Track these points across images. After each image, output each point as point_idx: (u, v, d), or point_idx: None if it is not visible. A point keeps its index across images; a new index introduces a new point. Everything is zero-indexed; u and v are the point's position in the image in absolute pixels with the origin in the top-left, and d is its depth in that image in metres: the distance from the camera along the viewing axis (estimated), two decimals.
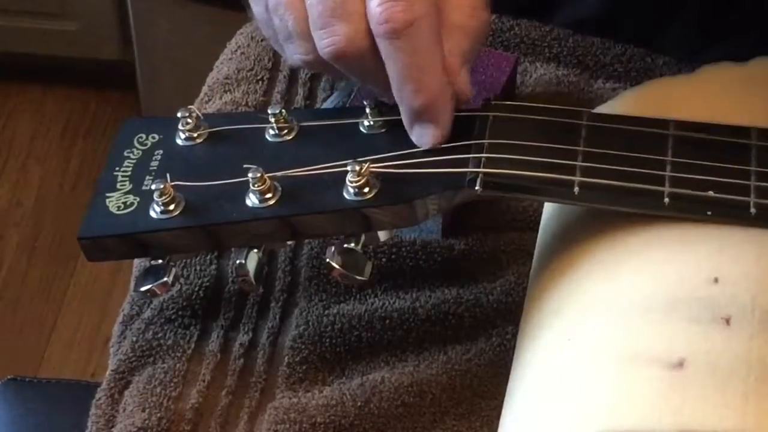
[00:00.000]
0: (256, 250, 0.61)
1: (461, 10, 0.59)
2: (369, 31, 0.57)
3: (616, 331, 0.53)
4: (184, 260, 0.69)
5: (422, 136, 0.59)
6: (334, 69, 0.59)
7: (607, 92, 0.76)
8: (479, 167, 0.58)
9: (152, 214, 0.61)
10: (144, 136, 0.65)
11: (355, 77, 0.60)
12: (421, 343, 0.66)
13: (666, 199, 0.56)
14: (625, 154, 0.57)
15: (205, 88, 0.81)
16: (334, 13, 0.57)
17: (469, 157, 0.59)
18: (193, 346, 0.66)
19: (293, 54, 0.60)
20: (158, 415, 0.63)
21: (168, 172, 0.62)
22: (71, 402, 0.84)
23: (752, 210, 0.55)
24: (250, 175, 0.59)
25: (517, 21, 0.80)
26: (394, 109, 0.62)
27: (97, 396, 0.66)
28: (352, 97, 0.71)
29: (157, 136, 0.65)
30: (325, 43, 0.57)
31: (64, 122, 1.86)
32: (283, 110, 0.63)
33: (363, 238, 0.61)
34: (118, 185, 0.63)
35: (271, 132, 0.63)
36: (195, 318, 0.67)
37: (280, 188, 0.60)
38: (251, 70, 0.79)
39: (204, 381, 0.65)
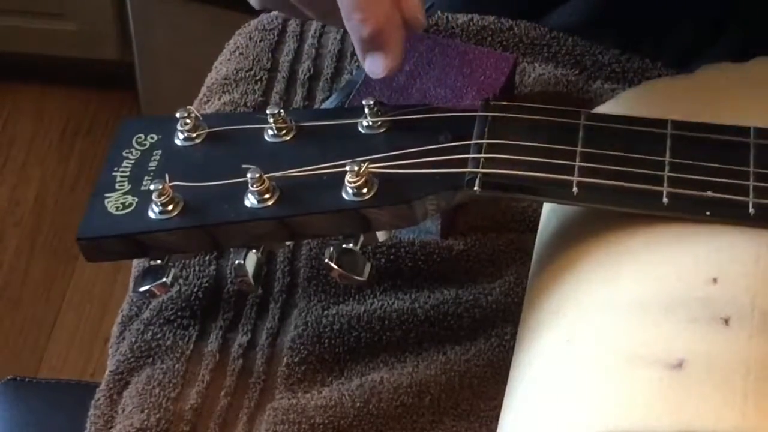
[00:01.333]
0: (254, 251, 0.61)
1: None
2: None
3: (615, 331, 0.53)
4: (183, 261, 0.69)
5: (373, 65, 0.59)
6: (292, 7, 0.60)
7: (606, 92, 0.76)
8: (478, 167, 0.58)
9: (151, 214, 0.61)
10: (143, 136, 0.65)
11: (313, 13, 0.60)
12: (420, 344, 0.66)
13: (665, 199, 0.56)
14: (623, 154, 0.57)
15: (203, 89, 0.81)
16: None
17: (467, 157, 0.59)
18: (192, 346, 0.66)
19: None
20: (157, 415, 0.63)
21: (167, 172, 0.62)
22: (71, 402, 0.84)
23: (751, 210, 0.55)
24: (248, 175, 0.59)
25: (515, 21, 0.80)
26: (393, 109, 0.62)
27: (96, 396, 0.66)
28: (351, 97, 0.71)
29: (155, 137, 0.65)
30: None
31: (64, 122, 1.86)
32: (282, 110, 0.63)
33: (362, 238, 0.61)
34: (117, 185, 0.63)
35: (270, 132, 0.63)
36: (194, 319, 0.67)
37: (278, 189, 0.60)
38: (250, 70, 0.79)
39: (203, 382, 0.65)
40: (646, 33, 0.79)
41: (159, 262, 0.62)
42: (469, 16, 0.80)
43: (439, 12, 0.81)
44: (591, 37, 0.79)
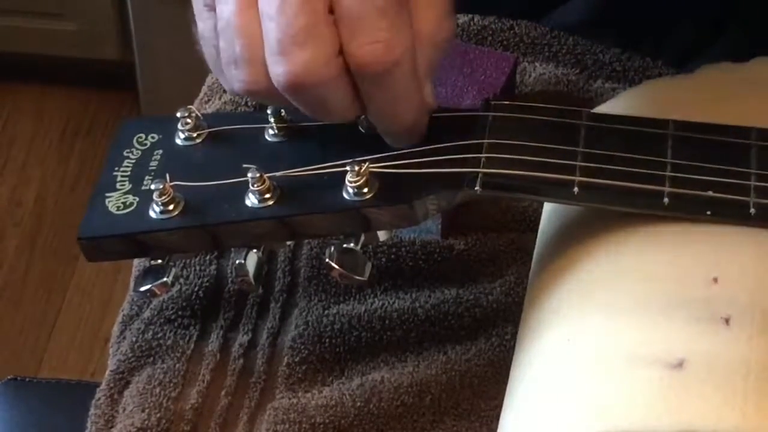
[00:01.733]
0: (255, 250, 0.61)
1: (429, 22, 0.55)
2: (336, 58, 0.53)
3: (615, 331, 0.53)
4: (183, 260, 0.69)
5: (395, 143, 0.59)
6: (279, 98, 0.56)
7: (607, 92, 0.76)
8: (479, 167, 0.58)
9: (152, 214, 0.61)
10: (143, 136, 0.65)
11: (304, 107, 0.56)
12: (420, 343, 0.66)
13: (665, 199, 0.56)
14: (624, 154, 0.57)
15: (204, 88, 0.81)
16: (296, 40, 0.53)
17: (468, 157, 0.59)
18: (192, 346, 0.66)
19: (235, 81, 0.56)
20: (158, 415, 0.63)
21: (167, 172, 0.62)
22: (71, 402, 0.84)
23: (752, 210, 0.55)
24: (249, 175, 0.59)
25: (516, 21, 0.80)
26: None
27: (97, 396, 0.66)
28: None
29: (156, 136, 0.65)
30: (282, 71, 0.53)
31: (64, 122, 1.86)
32: (282, 110, 0.63)
33: (362, 238, 0.61)
34: (118, 185, 0.63)
35: (271, 132, 0.63)
36: (194, 318, 0.67)
37: (279, 188, 0.60)
38: None
39: (203, 381, 0.65)
40: (646, 33, 0.79)
41: (160, 261, 0.62)
42: (470, 16, 0.80)
43: None
44: (591, 36, 0.79)
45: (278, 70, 0.54)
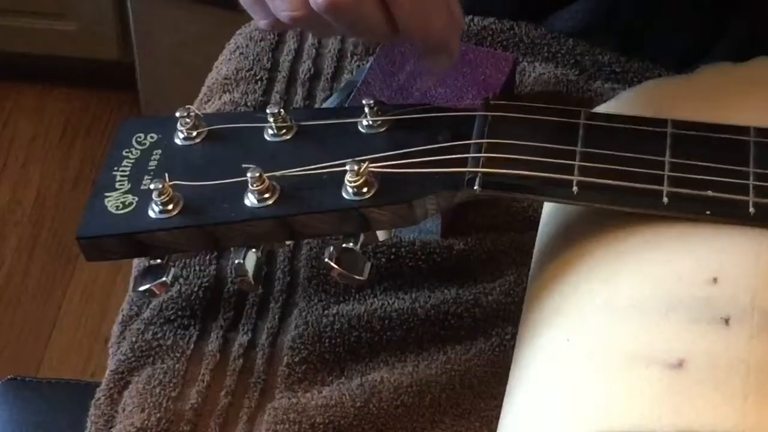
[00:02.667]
0: (254, 250, 0.61)
1: None
2: None
3: (615, 331, 0.53)
4: (183, 260, 0.69)
5: (435, 65, 0.61)
6: (320, 24, 0.59)
7: (606, 92, 0.76)
8: (478, 167, 0.58)
9: (151, 213, 0.61)
10: (143, 135, 0.65)
11: (345, 27, 0.59)
12: (420, 344, 0.66)
13: (665, 199, 0.56)
14: (623, 153, 0.57)
15: (204, 89, 0.81)
16: None
17: (468, 157, 0.59)
18: (192, 346, 0.66)
19: (281, 10, 0.59)
20: (157, 415, 0.63)
21: (166, 171, 0.62)
22: (71, 402, 0.84)
23: (751, 209, 0.55)
24: (248, 174, 0.59)
25: (516, 22, 0.80)
26: (393, 109, 0.62)
27: (97, 396, 0.66)
28: (351, 96, 0.71)
29: (155, 136, 0.65)
30: None
31: (64, 122, 1.86)
32: (282, 110, 0.63)
33: (362, 238, 0.61)
34: (117, 185, 0.63)
35: (270, 132, 0.63)
36: (194, 318, 0.67)
37: (278, 188, 0.60)
38: (250, 70, 0.79)
39: (203, 381, 0.65)
40: (646, 37, 0.79)
41: (159, 261, 0.62)
42: (470, 17, 0.80)
43: None
44: (591, 41, 0.79)
45: None
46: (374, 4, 0.58)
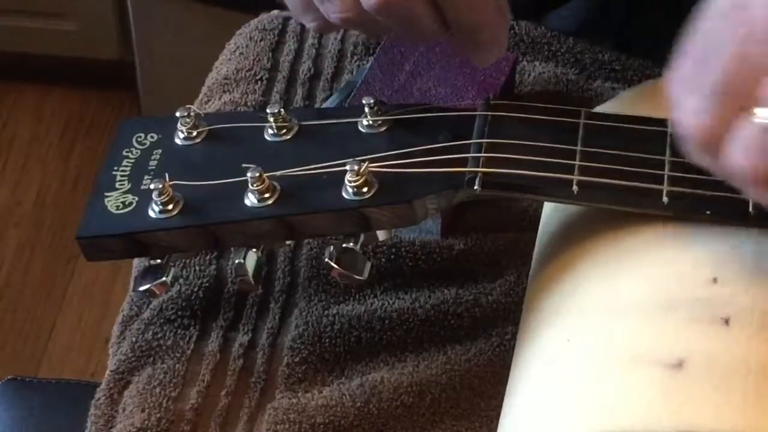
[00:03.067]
0: (255, 250, 0.61)
1: None
2: None
3: (615, 331, 0.53)
4: (183, 260, 0.69)
5: (484, 60, 0.62)
6: (370, 23, 0.60)
7: (606, 91, 0.76)
8: (478, 166, 0.58)
9: (151, 213, 0.61)
10: (143, 135, 0.65)
11: (396, 25, 0.60)
12: (420, 344, 0.66)
13: (665, 198, 0.56)
14: (623, 153, 0.57)
15: (204, 89, 0.81)
16: None
17: (468, 157, 0.59)
18: (192, 346, 0.66)
19: (331, 12, 0.60)
20: (158, 415, 0.63)
21: (167, 171, 0.62)
22: (71, 402, 0.84)
23: (751, 209, 0.55)
24: (248, 174, 0.59)
25: (516, 21, 0.80)
26: (393, 108, 0.62)
27: (97, 396, 0.66)
28: (351, 96, 0.71)
29: (155, 136, 0.65)
30: None
31: (64, 122, 1.86)
32: (282, 110, 0.63)
33: (362, 237, 0.61)
34: (117, 185, 0.63)
35: (270, 131, 0.63)
36: (194, 318, 0.67)
37: (278, 188, 0.60)
38: (250, 70, 0.79)
39: (203, 381, 0.65)
40: (645, 36, 0.79)
41: (159, 261, 0.62)
42: None
43: None
44: (590, 39, 0.79)
45: None
46: (425, 2, 0.58)
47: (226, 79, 0.79)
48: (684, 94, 0.51)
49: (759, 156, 0.48)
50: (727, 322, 0.51)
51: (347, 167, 0.58)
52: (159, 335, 0.67)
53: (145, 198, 0.61)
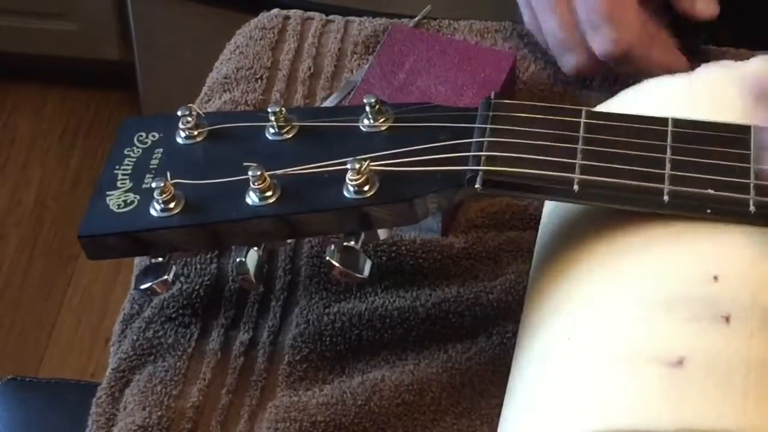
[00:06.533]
0: (256, 249, 0.61)
1: None
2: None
3: (615, 329, 0.53)
4: (184, 259, 0.69)
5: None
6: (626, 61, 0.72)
7: (606, 91, 0.76)
8: (479, 165, 0.58)
9: (152, 212, 0.61)
10: (144, 134, 0.65)
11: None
12: (421, 342, 0.66)
13: (665, 197, 0.56)
14: (624, 152, 0.57)
15: (204, 88, 0.81)
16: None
17: (468, 155, 0.59)
18: (193, 344, 0.66)
19: (603, 42, 0.72)
20: (159, 413, 0.63)
21: (168, 170, 0.62)
22: (71, 402, 0.84)
23: (751, 208, 0.55)
24: (250, 173, 0.59)
25: (516, 20, 0.80)
26: (394, 107, 0.62)
27: (98, 394, 0.66)
28: (351, 95, 0.71)
29: (157, 135, 0.65)
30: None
31: (64, 122, 1.86)
32: (283, 109, 0.63)
33: (363, 236, 0.61)
34: (119, 183, 0.63)
35: (271, 130, 0.63)
36: (195, 317, 0.67)
37: (280, 187, 0.60)
38: (250, 69, 0.79)
39: (204, 379, 0.65)
40: None
41: (160, 259, 0.62)
42: (471, 20, 0.80)
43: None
44: None
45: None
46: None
47: (226, 78, 0.79)
48: None
49: None
50: (727, 320, 0.51)
51: (348, 166, 0.58)
52: (160, 333, 0.67)
53: (147, 197, 0.61)
